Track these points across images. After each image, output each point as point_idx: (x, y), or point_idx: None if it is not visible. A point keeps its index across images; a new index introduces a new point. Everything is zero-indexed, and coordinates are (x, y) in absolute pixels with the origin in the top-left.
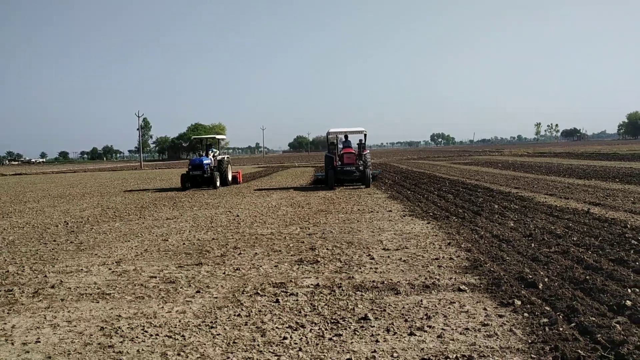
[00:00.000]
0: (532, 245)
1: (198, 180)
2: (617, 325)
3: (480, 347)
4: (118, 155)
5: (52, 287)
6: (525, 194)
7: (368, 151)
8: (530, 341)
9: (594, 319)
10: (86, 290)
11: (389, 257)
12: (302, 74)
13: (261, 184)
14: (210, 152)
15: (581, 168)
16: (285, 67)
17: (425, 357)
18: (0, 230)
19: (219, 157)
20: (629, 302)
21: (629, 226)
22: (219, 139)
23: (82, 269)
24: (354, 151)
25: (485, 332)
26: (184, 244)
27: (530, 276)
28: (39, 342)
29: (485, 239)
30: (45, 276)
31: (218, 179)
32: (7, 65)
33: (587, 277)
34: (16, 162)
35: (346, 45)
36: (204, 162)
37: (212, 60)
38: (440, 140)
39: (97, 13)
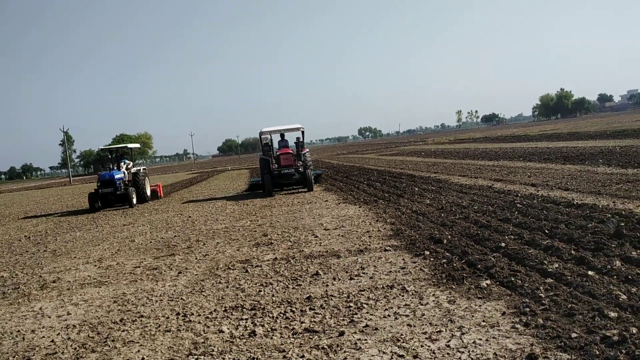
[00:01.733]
0: (442, 215)
1: (110, 199)
2: (492, 258)
3: (398, 280)
4: (39, 172)
5: (54, 281)
6: (442, 177)
7: (307, 150)
8: (433, 274)
9: (478, 256)
10: (84, 281)
11: (329, 234)
12: (226, 78)
13: (201, 189)
14: (122, 164)
15: (493, 151)
16: (208, 72)
17: (362, 289)
18: None
19: (133, 170)
20: (503, 244)
21: (519, 195)
22: (132, 149)
23: (70, 268)
24: (291, 151)
25: (403, 272)
26: (150, 242)
27: (438, 236)
28: (70, 314)
29: (406, 214)
30: (41, 276)
31: (134, 195)
32: None
33: (479, 232)
34: None
35: (265, 44)
36: (115, 176)
37: (134, 68)
38: (367, 134)
39: (6, 18)
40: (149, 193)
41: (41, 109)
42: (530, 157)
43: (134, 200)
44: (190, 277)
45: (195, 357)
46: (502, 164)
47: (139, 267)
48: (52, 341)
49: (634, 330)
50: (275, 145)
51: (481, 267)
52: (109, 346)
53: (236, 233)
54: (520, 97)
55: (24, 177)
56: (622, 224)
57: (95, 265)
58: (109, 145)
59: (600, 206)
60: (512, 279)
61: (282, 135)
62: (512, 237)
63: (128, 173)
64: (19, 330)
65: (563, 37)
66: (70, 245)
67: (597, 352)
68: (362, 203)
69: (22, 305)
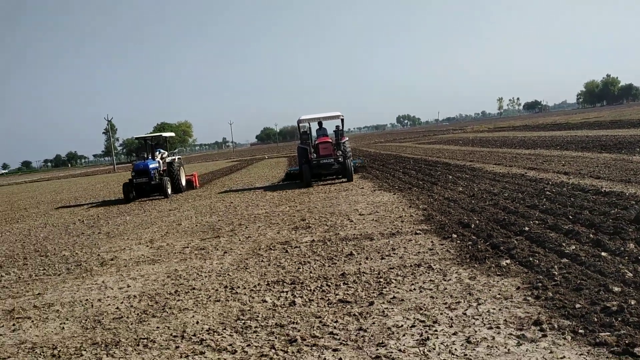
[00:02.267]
0: (473, 202)
1: (144, 189)
2: (515, 241)
3: (426, 260)
4: (83, 160)
5: (112, 259)
6: (476, 165)
7: (347, 138)
8: (458, 254)
9: (502, 239)
10: (139, 259)
11: (364, 219)
12: (264, 65)
13: (242, 177)
14: (157, 153)
15: (532, 139)
16: (247, 59)
17: (391, 267)
18: (26, 231)
19: (168, 159)
20: (527, 228)
21: (550, 183)
22: (167, 138)
23: (124, 248)
24: (330, 140)
25: (430, 253)
26: (196, 225)
27: (467, 220)
28: (130, 286)
29: (438, 201)
30: (99, 255)
31: (169, 185)
32: None
33: (506, 217)
34: None
35: (303, 32)
36: (150, 166)
37: (174, 57)
38: (406, 121)
39: (51, 14)
40: (184, 183)
41: (85, 98)
42: (567, 146)
43: (169, 191)
44: (235, 256)
45: (243, 321)
46: (538, 153)
47: (188, 247)
48: (117, 308)
49: (633, 302)
50: (314, 133)
51: (503, 248)
52: (167, 312)
53: (276, 218)
54: (564, 83)
55: (69, 165)
56: None
57: (147, 246)
58: (149, 133)
59: (627, 194)
60: (531, 259)
61: (320, 124)
62: (537, 222)
63: (163, 162)
64: (87, 299)
65: (610, 21)
66: (121, 228)
67: (596, 320)
68: (396, 190)
69: (86, 279)
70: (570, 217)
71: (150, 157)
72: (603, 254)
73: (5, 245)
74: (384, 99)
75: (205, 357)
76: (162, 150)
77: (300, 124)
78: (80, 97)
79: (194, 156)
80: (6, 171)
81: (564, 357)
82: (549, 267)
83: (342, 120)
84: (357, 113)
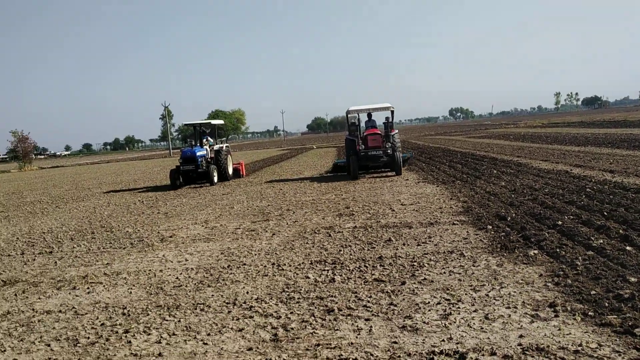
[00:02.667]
0: (513, 196)
1: (191, 176)
2: (547, 233)
3: (459, 248)
4: (140, 144)
5: (170, 237)
6: (523, 161)
7: (396, 131)
8: (490, 244)
9: (534, 232)
10: (195, 237)
11: (405, 209)
12: (317, 54)
13: (291, 165)
14: (204, 141)
15: (584, 137)
16: (300, 48)
17: (426, 253)
18: (92, 209)
19: (216, 147)
20: (560, 222)
21: (592, 180)
22: (215, 125)
23: (182, 227)
24: (379, 132)
25: (464, 241)
26: (247, 209)
27: (504, 213)
28: (187, 260)
29: (479, 194)
30: (159, 232)
31: (215, 174)
32: (26, 64)
33: (542, 211)
34: (42, 156)
35: (354, 20)
36: (197, 153)
37: (229, 47)
38: (459, 114)
39: (109, 4)
40: (230, 171)
41: (144, 85)
42: (619, 144)
43: (215, 179)
44: (283, 238)
45: (287, 293)
46: (587, 150)
47: (239, 228)
48: (177, 278)
49: None
50: (363, 125)
51: (534, 240)
52: (221, 283)
53: (322, 205)
54: (628, 78)
55: (127, 149)
56: None
57: (203, 226)
58: (204, 120)
59: None
60: (558, 250)
61: (370, 115)
62: (571, 217)
63: (210, 150)
64: (150, 270)
65: None
66: (178, 209)
67: (607, 305)
68: (440, 183)
69: (148, 253)
70: (604, 213)
71: (198, 145)
72: (628, 248)
73: (74, 221)
74: (436, 91)
75: (254, 321)
76: (209, 138)
77: (349, 115)
78: (141, 83)
79: (245, 143)
80: (68, 152)
81: (570, 333)
82: (573, 258)
83: (392, 112)
84: (408, 105)
